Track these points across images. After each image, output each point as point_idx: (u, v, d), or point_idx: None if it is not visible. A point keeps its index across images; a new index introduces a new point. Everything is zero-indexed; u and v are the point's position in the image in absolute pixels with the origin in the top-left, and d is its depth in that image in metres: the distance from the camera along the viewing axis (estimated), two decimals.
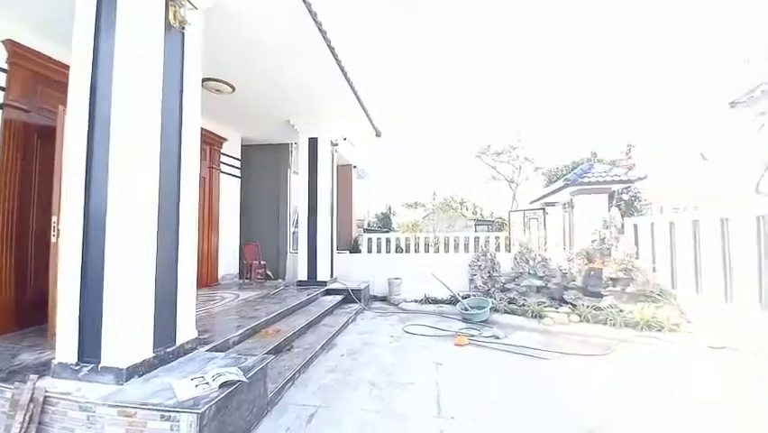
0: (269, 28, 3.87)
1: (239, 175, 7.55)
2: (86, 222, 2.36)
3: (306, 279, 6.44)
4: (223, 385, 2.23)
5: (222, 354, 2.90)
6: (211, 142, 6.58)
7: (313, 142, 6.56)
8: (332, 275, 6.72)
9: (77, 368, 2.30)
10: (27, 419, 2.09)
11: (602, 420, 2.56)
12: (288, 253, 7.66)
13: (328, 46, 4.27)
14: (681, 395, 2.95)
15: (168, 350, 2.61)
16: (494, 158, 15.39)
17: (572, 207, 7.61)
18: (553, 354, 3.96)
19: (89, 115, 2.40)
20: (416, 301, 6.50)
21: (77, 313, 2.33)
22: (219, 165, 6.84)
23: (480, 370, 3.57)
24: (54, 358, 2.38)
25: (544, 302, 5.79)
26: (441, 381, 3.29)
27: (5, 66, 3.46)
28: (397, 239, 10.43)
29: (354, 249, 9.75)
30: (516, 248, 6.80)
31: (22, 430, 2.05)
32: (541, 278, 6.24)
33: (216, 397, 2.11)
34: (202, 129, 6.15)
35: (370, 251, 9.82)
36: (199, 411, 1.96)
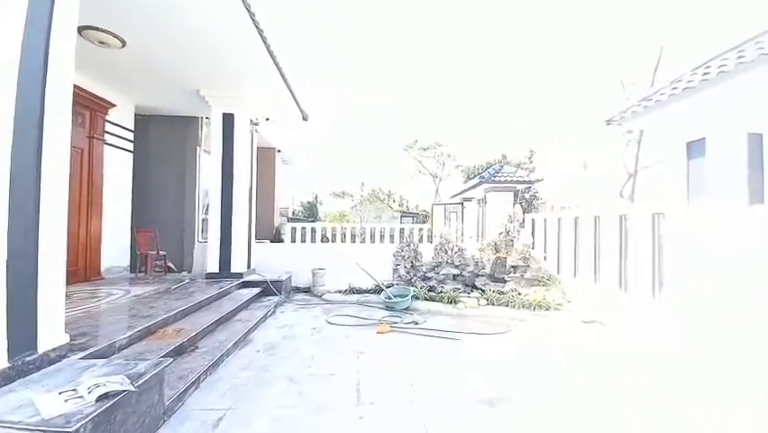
0: None
1: (131, 149, 6.37)
2: None
3: (217, 271, 5.81)
4: (102, 398, 1.85)
5: (103, 361, 2.40)
6: (92, 107, 5.39)
7: (229, 119, 5.87)
8: (249, 266, 6.20)
9: None
10: None
11: (499, 391, 2.88)
12: (196, 243, 6.81)
13: (248, 13, 3.81)
14: (559, 362, 3.52)
15: (27, 359, 2.07)
16: (420, 152, 16.09)
17: (485, 202, 8.40)
18: (463, 334, 4.33)
19: None
20: (340, 292, 6.43)
21: None
22: (103, 135, 5.67)
23: (400, 355, 3.70)
24: None
25: (459, 289, 6.30)
26: (362, 368, 3.31)
27: None
28: (324, 229, 10.20)
29: (276, 238, 9.21)
30: (437, 239, 7.23)
31: None
32: (457, 267, 6.75)
33: (93, 412, 1.73)
34: (81, 90, 5.06)
35: (293, 240, 9.41)
36: (70, 430, 1.59)
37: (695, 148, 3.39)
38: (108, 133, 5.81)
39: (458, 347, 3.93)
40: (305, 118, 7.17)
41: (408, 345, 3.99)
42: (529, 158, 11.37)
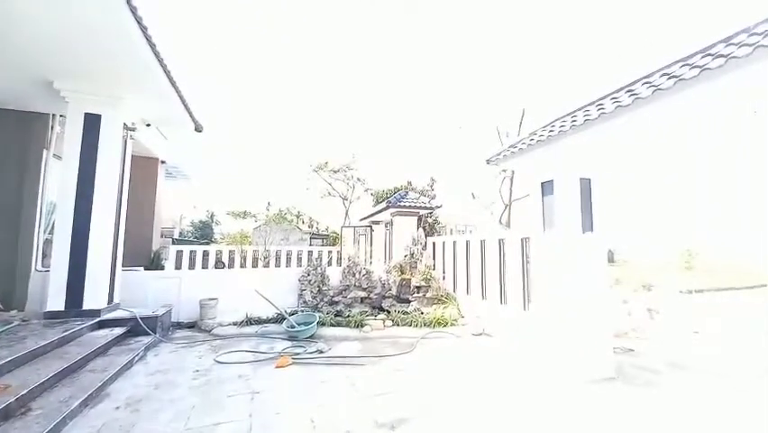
0: None
1: None
2: None
3: (62, 308, 4.50)
4: None
5: None
6: None
7: (93, 120, 4.79)
8: (111, 300, 5.00)
9: None
10: None
11: (401, 413, 2.92)
12: (33, 271, 5.20)
13: None
14: (456, 376, 3.79)
15: None
16: (330, 174, 16.05)
17: (392, 225, 8.77)
18: (368, 358, 4.30)
19: None
20: (234, 324, 5.70)
21: None
22: None
23: (301, 390, 3.43)
24: None
25: (366, 311, 6.29)
26: (256, 412, 2.93)
27: None
28: (219, 252, 9.09)
29: (155, 264, 7.79)
30: (346, 262, 7.16)
31: None
32: (365, 289, 6.77)
33: None
34: None
35: (179, 267, 8.08)
36: None
37: (547, 187, 4.23)
38: None
39: (362, 373, 3.87)
40: (198, 129, 6.43)
41: (311, 378, 3.73)
42: (431, 185, 12.46)
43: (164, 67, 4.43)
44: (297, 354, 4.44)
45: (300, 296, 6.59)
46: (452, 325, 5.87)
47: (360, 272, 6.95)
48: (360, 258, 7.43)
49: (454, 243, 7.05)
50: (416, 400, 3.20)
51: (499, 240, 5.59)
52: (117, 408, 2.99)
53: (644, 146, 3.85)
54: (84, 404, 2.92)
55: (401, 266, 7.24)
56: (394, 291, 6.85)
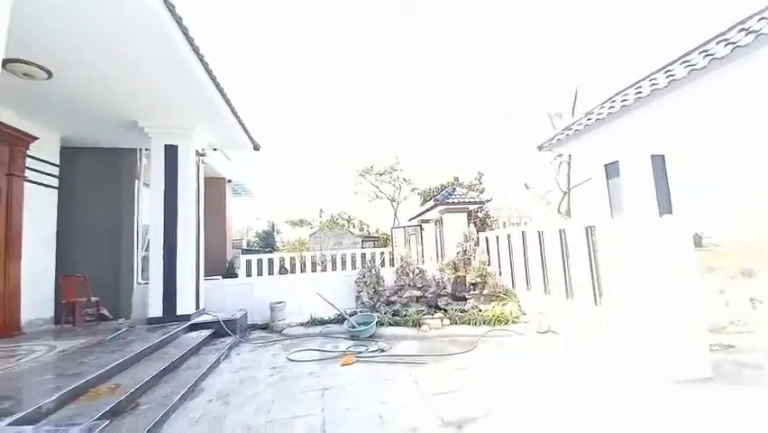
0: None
1: (56, 185, 5.74)
2: None
3: (161, 315, 5.26)
4: None
5: (30, 428, 2.11)
6: (11, 141, 4.84)
7: (171, 150, 5.54)
8: (198, 307, 5.71)
9: None
10: None
11: (467, 412, 2.89)
12: (135, 285, 6.15)
13: (180, 27, 3.60)
14: (518, 374, 3.64)
15: None
16: (377, 177, 16.37)
17: (442, 223, 8.69)
18: (429, 357, 4.32)
19: None
20: (301, 325, 6.13)
21: None
22: (24, 172, 5.07)
23: (366, 387, 3.57)
24: None
25: (423, 310, 6.33)
26: (327, 407, 3.13)
27: None
28: (282, 259, 9.81)
29: (230, 273, 8.67)
30: (399, 262, 7.28)
31: None
32: (419, 288, 6.81)
33: None
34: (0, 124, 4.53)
35: (249, 274, 8.90)
36: None
37: (611, 169, 3.88)
38: (30, 169, 5.21)
39: (424, 371, 3.91)
40: (256, 148, 7.03)
41: (375, 375, 3.87)
42: (478, 179, 12.08)
43: (227, 99, 4.97)
44: (360, 352, 4.63)
45: (358, 297, 6.84)
46: (513, 322, 5.64)
47: (413, 272, 7.01)
48: (411, 258, 7.50)
49: (509, 236, 6.76)
50: (483, 399, 3.15)
51: (560, 230, 5.24)
52: (210, 401, 3.40)
53: (730, 112, 3.35)
54: (183, 398, 3.36)
55: (454, 263, 7.14)
56: (449, 289, 6.79)
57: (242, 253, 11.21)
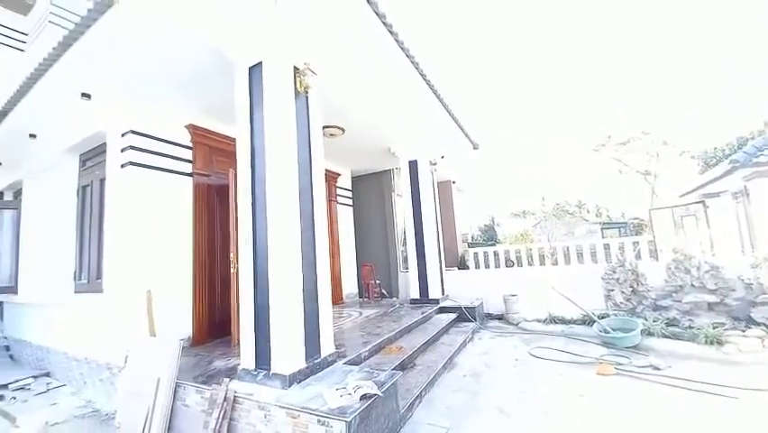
0: (370, 80, 4.44)
1: (351, 204, 8.42)
2: (254, 258, 3.02)
3: (418, 297, 6.62)
4: (363, 397, 2.48)
5: (357, 368, 3.20)
6: (329, 179, 7.58)
7: (413, 165, 6.87)
8: (443, 293, 6.73)
9: (255, 373, 2.89)
10: (221, 414, 2.66)
11: None
12: (399, 272, 8.04)
13: (420, 75, 4.51)
14: None
15: (315, 361, 3.04)
16: (618, 149, 13.10)
17: (748, 195, 5.86)
18: (744, 391, 3.06)
19: (251, 174, 3.10)
20: (538, 321, 5.91)
21: (253, 330, 2.96)
22: (336, 197, 7.79)
23: (637, 407, 3.02)
24: (239, 365, 3.04)
25: (723, 323, 4.53)
26: (584, 414, 2.92)
27: (191, 144, 4.64)
28: (506, 252, 9.77)
29: (462, 265, 9.57)
30: (669, 255, 5.56)
31: (218, 424, 2.63)
32: (712, 291, 4.91)
33: (359, 408, 2.36)
34: None
35: (477, 266, 9.48)
36: (347, 420, 2.22)
37: None
38: (338, 195, 7.97)
39: (734, 409, 2.83)
40: (475, 147, 7.45)
41: (649, 397, 3.20)
42: None
43: (452, 115, 5.68)
44: (620, 364, 3.94)
45: (608, 297, 5.78)
46: None
47: (698, 268, 5.12)
48: (691, 248, 5.49)
49: None
50: None
51: None
52: (464, 376, 3.95)
53: None
54: (444, 368, 4.07)
55: None
56: None
57: (469, 246, 12.04)
